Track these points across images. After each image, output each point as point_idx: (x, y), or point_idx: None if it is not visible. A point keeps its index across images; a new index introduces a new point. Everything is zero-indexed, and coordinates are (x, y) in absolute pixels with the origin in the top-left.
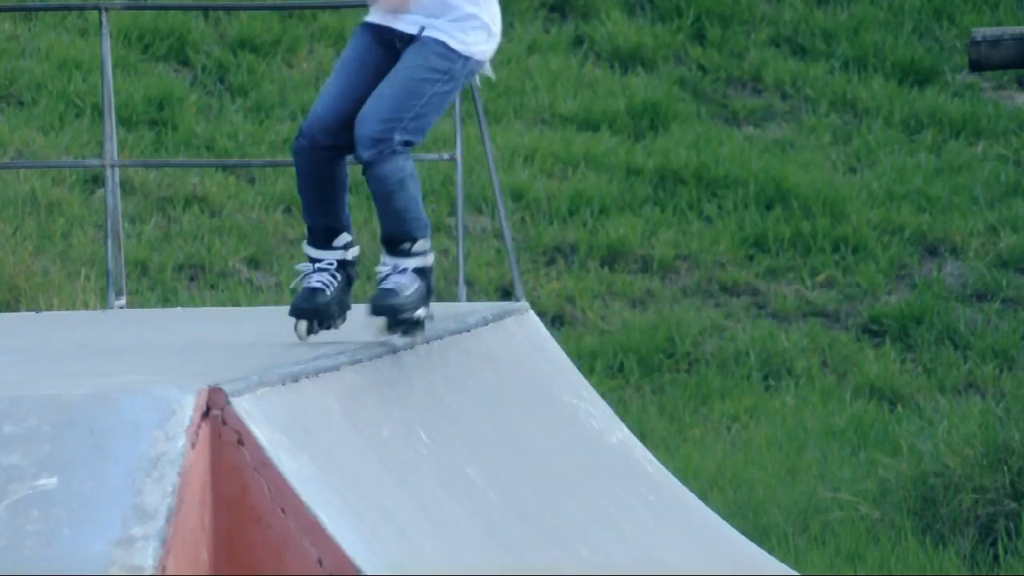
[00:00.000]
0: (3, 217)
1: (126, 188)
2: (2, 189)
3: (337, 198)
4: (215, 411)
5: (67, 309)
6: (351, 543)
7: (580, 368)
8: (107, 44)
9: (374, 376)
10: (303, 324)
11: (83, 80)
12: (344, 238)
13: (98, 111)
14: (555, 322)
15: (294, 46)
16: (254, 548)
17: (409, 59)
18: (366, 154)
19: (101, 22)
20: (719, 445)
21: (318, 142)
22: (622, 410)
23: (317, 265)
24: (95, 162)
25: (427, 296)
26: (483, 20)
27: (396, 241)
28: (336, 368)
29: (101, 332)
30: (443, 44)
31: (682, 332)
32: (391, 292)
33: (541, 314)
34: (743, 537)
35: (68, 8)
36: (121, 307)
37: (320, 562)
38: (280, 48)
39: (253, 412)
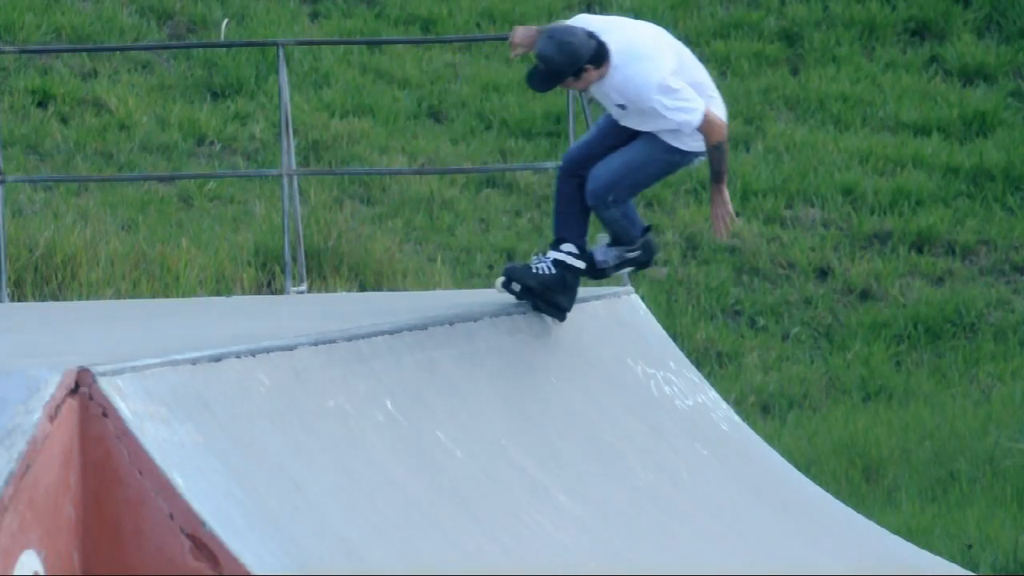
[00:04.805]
0: (400, 213)
1: (512, 188)
2: (407, 190)
3: (568, 214)
4: (83, 388)
5: (421, 290)
6: (202, 501)
7: (867, 337)
8: (283, 72)
9: (348, 354)
10: (500, 279)
11: (499, 99)
12: (567, 247)
13: (507, 126)
14: (862, 297)
15: None
16: (116, 504)
17: (645, 144)
18: (589, 200)
19: (279, 56)
20: (968, 401)
21: (565, 170)
22: (896, 371)
23: (542, 255)
24: (274, 171)
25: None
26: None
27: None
28: (291, 348)
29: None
30: (673, 147)
31: (969, 305)
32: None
33: (850, 290)
34: (811, 484)
35: (250, 44)
36: (300, 292)
37: (171, 516)
38: None
39: (127, 388)
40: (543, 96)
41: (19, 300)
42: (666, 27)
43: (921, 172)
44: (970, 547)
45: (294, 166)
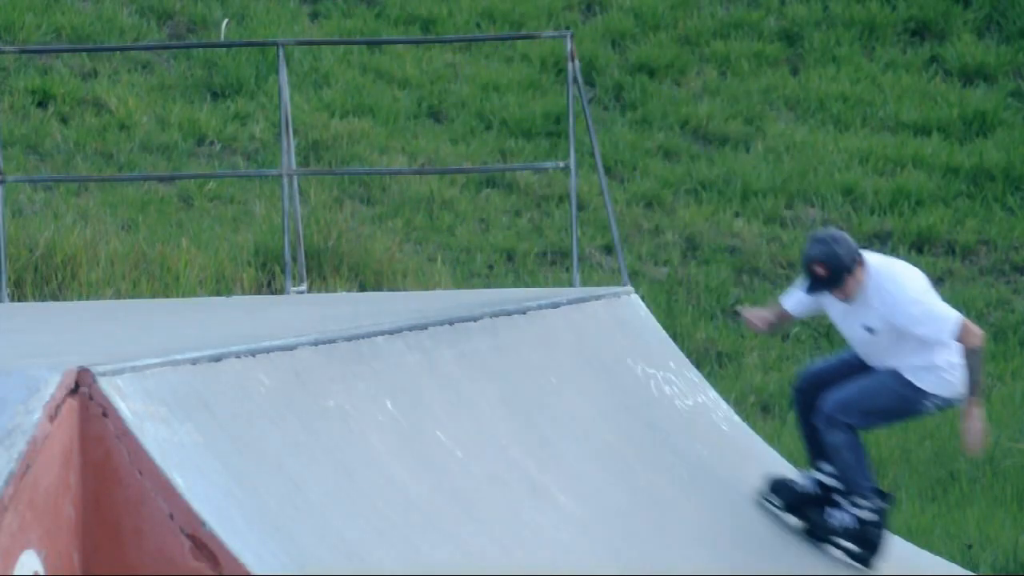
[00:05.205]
0: (400, 213)
1: (512, 188)
2: (407, 190)
3: (809, 435)
4: (83, 388)
5: (421, 290)
6: (202, 501)
7: None
8: (283, 72)
9: (348, 354)
10: (762, 495)
11: (499, 99)
12: (825, 467)
13: (507, 126)
14: None
15: (685, 68)
16: (116, 504)
17: (883, 375)
18: (819, 421)
19: (279, 56)
20: None
21: (798, 386)
22: None
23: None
24: (274, 171)
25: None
26: (941, 371)
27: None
28: (291, 348)
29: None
30: (909, 381)
31: (969, 305)
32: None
33: None
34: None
35: (250, 44)
36: (300, 292)
37: (171, 516)
38: (672, 70)
39: (127, 389)
40: (543, 96)
41: (19, 300)
42: (666, 27)
43: (921, 172)
44: (970, 547)
45: (294, 166)
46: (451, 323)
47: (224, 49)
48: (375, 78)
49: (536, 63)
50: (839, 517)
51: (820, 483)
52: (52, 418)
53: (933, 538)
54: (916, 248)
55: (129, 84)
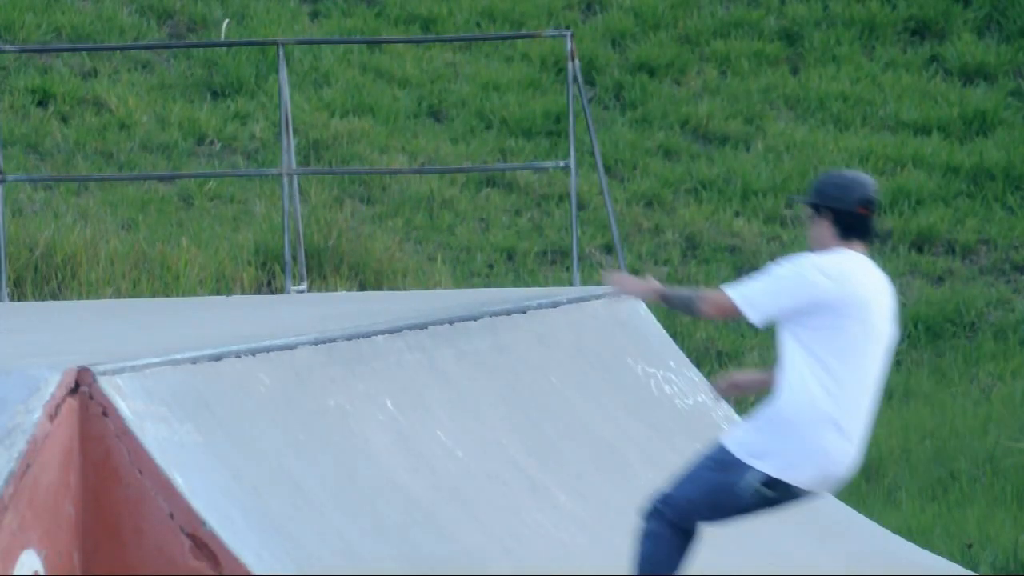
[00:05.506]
0: (400, 212)
1: (512, 188)
2: (407, 189)
3: None
4: (83, 388)
5: (421, 288)
6: (202, 500)
7: None
8: (283, 72)
9: (349, 354)
10: None
11: (499, 99)
12: None
13: (507, 125)
14: None
15: (685, 68)
16: (116, 503)
17: None
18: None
19: (279, 55)
20: (968, 401)
21: None
22: (896, 371)
23: None
24: (274, 171)
25: None
26: None
27: None
28: (291, 348)
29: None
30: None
31: (969, 304)
32: None
33: None
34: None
35: (250, 44)
36: (300, 291)
37: (171, 516)
38: (672, 70)
39: (127, 388)
40: (543, 95)
41: (19, 300)
42: (666, 26)
43: (921, 172)
44: (970, 547)
45: (294, 165)
46: (451, 323)
47: (224, 49)
48: (375, 77)
49: (536, 62)
50: None
51: None
52: (52, 417)
53: (933, 537)
54: (916, 247)
55: (129, 83)
